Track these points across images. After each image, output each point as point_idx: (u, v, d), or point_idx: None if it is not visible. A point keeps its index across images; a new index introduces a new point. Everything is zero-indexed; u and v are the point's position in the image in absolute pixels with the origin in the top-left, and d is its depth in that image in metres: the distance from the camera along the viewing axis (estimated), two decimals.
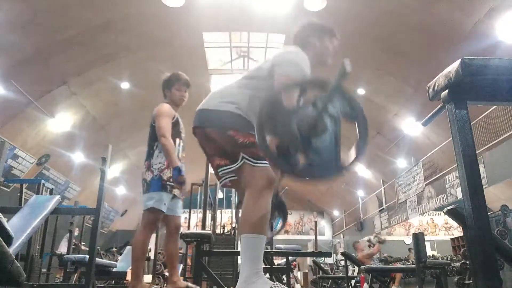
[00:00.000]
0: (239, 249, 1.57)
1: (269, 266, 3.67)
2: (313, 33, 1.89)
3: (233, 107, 1.62)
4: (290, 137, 1.26)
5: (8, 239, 1.30)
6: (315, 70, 1.80)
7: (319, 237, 9.30)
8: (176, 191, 2.65)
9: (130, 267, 6.02)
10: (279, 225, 2.11)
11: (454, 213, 1.43)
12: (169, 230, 2.76)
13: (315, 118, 1.26)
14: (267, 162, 1.59)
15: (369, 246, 7.57)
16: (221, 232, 7.95)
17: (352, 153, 1.31)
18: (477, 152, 1.07)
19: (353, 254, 7.16)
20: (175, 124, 2.71)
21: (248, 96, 1.65)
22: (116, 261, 6.39)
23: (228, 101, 1.65)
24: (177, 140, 2.71)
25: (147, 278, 5.28)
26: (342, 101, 1.28)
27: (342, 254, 6.28)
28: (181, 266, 6.38)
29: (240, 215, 1.62)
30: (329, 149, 1.28)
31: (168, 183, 2.60)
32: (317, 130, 1.26)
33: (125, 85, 9.70)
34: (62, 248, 6.63)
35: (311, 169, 1.28)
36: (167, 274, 3.26)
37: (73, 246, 5.77)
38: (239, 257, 5.30)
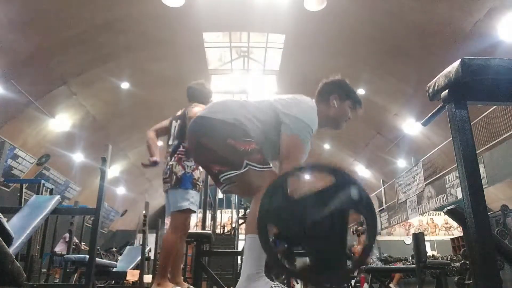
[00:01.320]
0: (239, 249, 1.57)
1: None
2: (337, 92, 1.78)
3: (230, 118, 1.60)
4: (295, 232, 1.17)
5: (8, 239, 1.30)
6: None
7: None
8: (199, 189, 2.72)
9: (130, 267, 6.01)
10: None
11: (454, 213, 1.43)
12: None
13: (321, 213, 1.16)
14: (270, 166, 1.58)
15: (358, 235, 7.58)
16: (221, 232, 7.95)
17: (359, 250, 1.22)
18: (477, 152, 1.07)
19: None
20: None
21: (250, 120, 1.62)
22: (116, 261, 6.40)
23: (226, 113, 1.62)
24: None
25: (147, 278, 5.28)
26: (351, 192, 1.17)
27: None
28: (181, 266, 6.37)
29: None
30: (335, 252, 1.17)
31: (198, 182, 2.65)
32: (323, 228, 1.16)
33: (125, 85, 9.71)
34: (58, 248, 6.60)
35: (316, 274, 1.17)
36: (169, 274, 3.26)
37: (73, 246, 5.78)
38: (239, 257, 5.30)
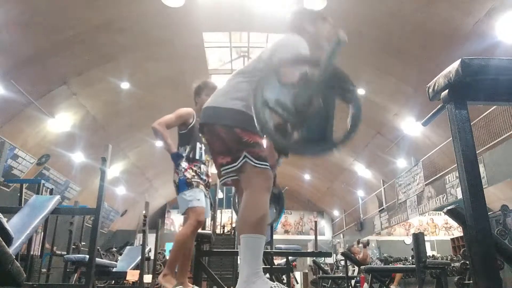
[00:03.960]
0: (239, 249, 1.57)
1: (269, 266, 3.67)
2: (305, 19, 1.91)
3: (239, 104, 1.63)
4: (286, 112, 1.30)
5: (8, 239, 1.30)
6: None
7: (319, 237, 9.29)
8: (202, 188, 2.72)
9: (130, 267, 6.01)
10: (276, 216, 2.28)
11: (454, 213, 1.43)
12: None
13: (309, 95, 1.30)
14: (268, 164, 1.59)
15: (364, 246, 7.61)
16: (221, 232, 7.95)
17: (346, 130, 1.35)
18: (477, 152, 1.07)
19: None
20: (192, 129, 2.80)
21: (251, 91, 1.65)
22: (116, 261, 6.40)
23: (233, 97, 1.65)
24: (198, 144, 2.82)
25: (147, 278, 5.28)
26: (337, 80, 1.32)
27: (342, 254, 6.28)
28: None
29: (238, 215, 1.63)
30: (322, 126, 1.32)
31: (193, 180, 2.68)
32: (312, 107, 1.29)
33: (125, 85, 9.70)
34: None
35: (305, 144, 1.33)
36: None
37: (73, 247, 5.78)
38: (239, 257, 5.31)
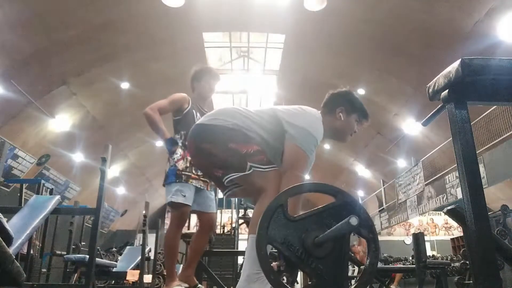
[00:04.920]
0: (239, 249, 1.57)
1: None
2: (343, 104, 1.75)
3: (231, 123, 1.60)
4: (294, 253, 1.15)
5: (8, 239, 1.30)
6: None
7: None
8: (195, 182, 2.53)
9: (130, 267, 6.00)
10: None
11: (454, 213, 1.43)
12: (202, 227, 2.67)
13: (321, 235, 1.15)
14: (275, 165, 1.58)
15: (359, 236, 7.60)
16: (221, 232, 7.95)
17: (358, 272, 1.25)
18: (477, 152, 1.07)
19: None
20: (187, 115, 2.62)
21: (255, 131, 1.61)
22: (116, 261, 6.40)
23: (227, 120, 1.61)
24: None
25: (147, 278, 5.28)
26: (355, 216, 1.15)
27: None
28: (181, 266, 6.37)
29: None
30: (335, 272, 1.16)
31: (183, 173, 2.47)
32: (324, 248, 1.15)
33: (125, 85, 9.70)
34: None
35: None
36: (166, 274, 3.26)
37: (73, 247, 5.77)
38: (239, 257, 5.29)
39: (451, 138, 0.94)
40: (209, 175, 1.74)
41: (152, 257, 6.18)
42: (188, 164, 2.50)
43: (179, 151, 2.52)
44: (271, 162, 1.57)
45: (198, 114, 2.68)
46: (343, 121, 1.73)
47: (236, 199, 7.30)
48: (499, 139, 7.39)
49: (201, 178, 2.57)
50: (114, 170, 12.43)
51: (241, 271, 1.57)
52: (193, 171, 2.52)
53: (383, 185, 13.36)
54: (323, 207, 1.21)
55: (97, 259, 3.79)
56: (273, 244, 1.16)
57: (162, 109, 2.57)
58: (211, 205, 2.70)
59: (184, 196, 2.44)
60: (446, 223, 15.51)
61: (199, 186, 2.57)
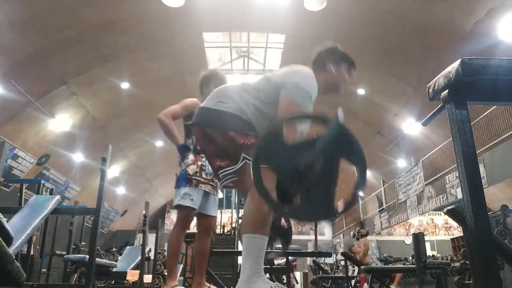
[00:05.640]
0: (239, 249, 1.58)
1: (269, 266, 3.67)
2: (332, 58, 1.82)
3: (234, 108, 1.62)
4: (289, 174, 1.22)
5: (8, 239, 1.30)
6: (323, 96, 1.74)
7: (319, 237, 9.30)
8: (204, 186, 2.59)
9: (130, 267, 6.01)
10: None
11: (454, 213, 1.43)
12: (199, 229, 2.72)
13: (313, 157, 1.21)
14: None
15: (357, 239, 7.58)
16: (221, 232, 7.94)
17: (347, 196, 1.27)
18: (477, 152, 1.07)
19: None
20: None
21: (252, 105, 1.63)
22: (116, 261, 6.41)
23: (228, 101, 1.64)
24: None
25: (147, 278, 5.28)
26: (344, 141, 1.23)
27: (342, 254, 6.28)
28: (181, 266, 6.38)
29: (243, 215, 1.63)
30: (324, 191, 1.23)
31: (194, 177, 2.54)
32: (314, 170, 1.21)
33: (125, 85, 9.70)
34: None
35: (303, 210, 1.24)
36: (166, 274, 3.27)
37: (73, 247, 5.78)
38: (239, 257, 5.29)
39: (451, 138, 0.94)
40: (210, 163, 1.77)
41: (152, 257, 6.19)
42: (198, 169, 2.57)
43: (190, 156, 2.58)
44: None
45: None
46: (335, 73, 1.81)
47: (236, 199, 7.30)
48: (499, 139, 7.39)
49: (209, 183, 2.63)
50: (114, 170, 12.43)
51: (240, 271, 1.57)
52: (203, 176, 2.59)
53: (383, 185, 13.36)
54: (316, 135, 1.27)
55: (97, 259, 3.79)
56: (268, 163, 1.24)
57: (175, 114, 2.62)
58: (212, 210, 2.74)
59: (192, 199, 2.51)
60: (446, 223, 15.50)
61: (207, 190, 2.63)
